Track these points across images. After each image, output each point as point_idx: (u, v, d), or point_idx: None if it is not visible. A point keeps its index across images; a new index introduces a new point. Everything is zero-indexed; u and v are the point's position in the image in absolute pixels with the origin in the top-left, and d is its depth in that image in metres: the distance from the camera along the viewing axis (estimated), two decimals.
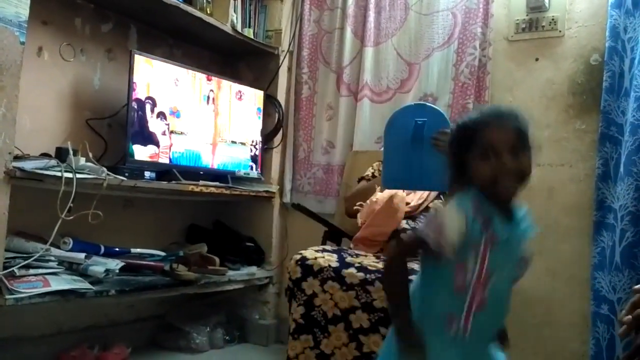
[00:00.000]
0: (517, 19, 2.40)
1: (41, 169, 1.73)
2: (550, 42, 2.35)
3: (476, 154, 1.13)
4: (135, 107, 2.18)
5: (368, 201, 2.08)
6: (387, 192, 2.04)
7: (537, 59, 2.37)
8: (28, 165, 1.72)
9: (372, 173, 2.30)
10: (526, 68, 2.39)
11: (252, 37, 2.74)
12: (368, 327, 1.67)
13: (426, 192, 2.10)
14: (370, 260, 1.81)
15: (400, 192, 2.04)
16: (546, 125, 2.32)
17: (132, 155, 2.17)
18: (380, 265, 1.75)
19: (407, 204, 2.05)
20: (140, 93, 2.20)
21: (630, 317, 0.86)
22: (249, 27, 2.77)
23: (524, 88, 2.38)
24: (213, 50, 2.89)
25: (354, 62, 2.76)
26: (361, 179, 2.31)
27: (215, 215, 2.89)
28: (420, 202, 2.07)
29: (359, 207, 2.12)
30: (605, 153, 2.14)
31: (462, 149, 1.15)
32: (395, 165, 1.83)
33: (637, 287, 0.90)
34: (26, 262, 1.73)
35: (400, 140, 1.82)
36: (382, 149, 1.89)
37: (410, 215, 2.05)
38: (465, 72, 2.44)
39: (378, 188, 2.10)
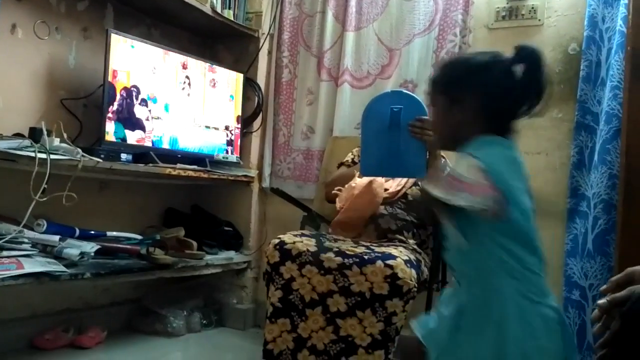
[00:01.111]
0: (498, 7, 2.41)
1: (14, 149, 1.69)
2: (529, 31, 2.36)
3: None
4: (112, 88, 2.14)
5: (347, 186, 2.09)
6: (366, 178, 2.05)
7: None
8: (1, 145, 1.68)
9: (352, 159, 2.30)
10: None
11: (232, 18, 2.70)
12: (345, 311, 1.68)
13: (404, 179, 2.11)
14: (349, 245, 1.82)
15: (379, 178, 2.05)
16: None
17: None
18: (358, 250, 1.76)
19: (386, 190, 2.06)
20: (117, 74, 2.16)
21: (605, 301, 0.87)
22: (229, 8, 2.72)
23: None
24: (192, 31, 2.85)
25: (334, 47, 2.74)
26: (341, 164, 2.32)
27: (193, 199, 2.87)
28: (398, 188, 2.09)
29: (337, 192, 2.12)
30: (580, 141, 2.18)
31: None
32: (373, 153, 1.84)
33: (603, 287, 0.90)
34: None
35: (377, 128, 1.82)
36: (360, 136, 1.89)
37: (389, 201, 2.06)
38: (445, 59, 2.45)
39: (357, 174, 2.10)
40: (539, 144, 2.31)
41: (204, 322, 2.62)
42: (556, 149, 2.28)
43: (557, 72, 2.30)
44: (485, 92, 1.14)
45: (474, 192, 1.01)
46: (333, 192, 2.14)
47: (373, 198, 2.00)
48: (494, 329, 1.04)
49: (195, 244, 2.44)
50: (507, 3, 2.39)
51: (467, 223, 1.08)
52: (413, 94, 1.89)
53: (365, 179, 2.04)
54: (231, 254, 2.68)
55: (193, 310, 2.59)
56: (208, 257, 2.48)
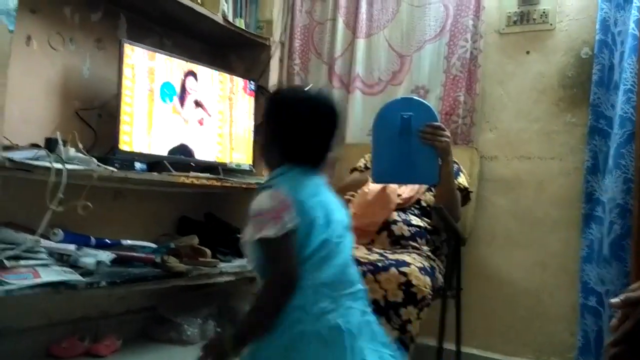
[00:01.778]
0: (509, 12, 2.41)
1: (30, 159, 1.71)
2: (541, 35, 2.36)
3: None
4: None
5: (359, 192, 2.09)
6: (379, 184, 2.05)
7: (528, 52, 2.38)
8: (17, 155, 1.69)
9: (365, 164, 2.30)
10: (517, 61, 2.40)
11: (243, 27, 2.72)
12: None
13: (417, 185, 2.11)
14: (362, 252, 1.82)
15: (393, 185, 2.05)
16: (536, 119, 2.34)
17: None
18: (371, 257, 1.75)
19: (399, 195, 2.06)
20: (129, 83, 2.18)
21: (618, 300, 0.85)
22: (240, 17, 2.74)
23: (515, 81, 2.40)
24: (204, 40, 2.86)
25: (345, 54, 2.76)
26: (353, 169, 2.32)
27: (206, 207, 2.88)
28: (412, 194, 2.08)
29: (350, 198, 2.12)
30: (594, 146, 2.17)
31: None
32: (384, 159, 1.85)
33: (614, 300, 0.88)
34: (13, 252, 1.70)
35: (388, 134, 1.83)
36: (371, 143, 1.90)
37: (402, 207, 2.06)
38: (457, 64, 2.45)
39: (370, 179, 2.10)
40: (552, 149, 2.30)
41: (218, 329, 2.62)
42: (570, 154, 2.27)
43: (569, 76, 2.29)
44: (276, 125, 1.27)
45: (279, 214, 1.12)
46: (346, 197, 2.15)
47: (386, 204, 2.00)
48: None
49: (209, 251, 2.44)
50: (519, 8, 2.38)
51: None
52: (423, 101, 1.89)
53: (379, 185, 2.04)
54: (245, 261, 2.68)
55: (207, 318, 2.59)
56: (222, 264, 2.47)
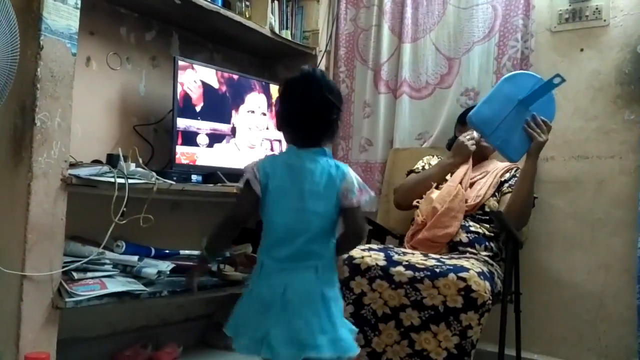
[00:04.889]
0: (560, 10, 2.36)
1: (95, 175, 1.78)
2: (594, 32, 2.30)
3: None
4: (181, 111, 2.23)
5: (424, 197, 2.08)
6: (446, 190, 2.03)
7: (581, 50, 2.32)
8: (82, 172, 1.77)
9: (423, 166, 2.29)
10: (571, 59, 2.34)
11: (289, 38, 2.76)
12: (419, 325, 1.67)
13: (482, 190, 2.07)
14: (418, 258, 1.80)
15: (461, 191, 2.02)
16: (594, 117, 2.27)
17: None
18: (428, 263, 1.74)
19: (465, 201, 2.03)
20: (184, 98, 2.24)
21: None
22: (287, 28, 2.79)
23: (570, 79, 2.31)
24: (251, 53, 2.92)
25: (391, 59, 2.75)
26: (410, 172, 2.30)
27: (257, 215, 2.91)
28: (477, 201, 2.05)
29: (417, 204, 2.11)
30: None
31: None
32: (493, 109, 1.92)
33: None
34: (80, 263, 1.77)
35: (512, 91, 1.95)
36: (494, 86, 2.04)
37: (467, 214, 2.03)
38: (508, 65, 2.41)
39: (434, 185, 2.09)
40: (611, 148, 2.23)
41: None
42: (630, 152, 2.20)
43: (626, 72, 2.22)
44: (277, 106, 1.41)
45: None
46: (413, 203, 2.14)
47: (456, 214, 1.98)
48: None
49: None
50: (570, 5, 2.33)
51: None
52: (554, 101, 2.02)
53: (445, 192, 2.02)
54: None
55: None
56: None
